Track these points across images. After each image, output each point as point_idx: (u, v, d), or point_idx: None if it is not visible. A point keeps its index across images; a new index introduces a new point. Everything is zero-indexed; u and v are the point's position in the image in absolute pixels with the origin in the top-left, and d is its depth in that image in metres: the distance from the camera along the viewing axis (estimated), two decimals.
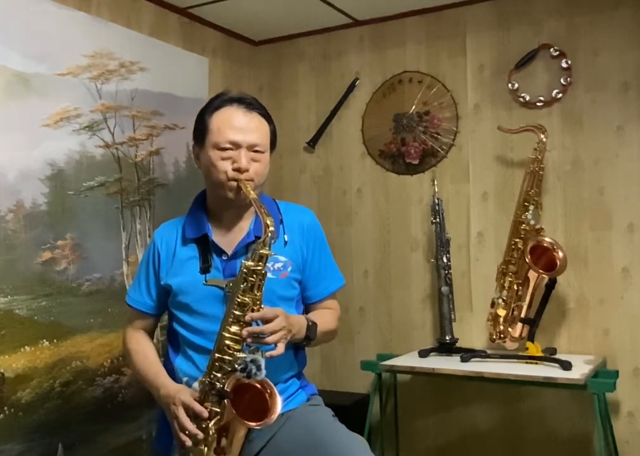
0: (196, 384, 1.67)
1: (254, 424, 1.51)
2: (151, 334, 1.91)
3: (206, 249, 1.76)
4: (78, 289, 2.52)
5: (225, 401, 1.53)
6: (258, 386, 1.55)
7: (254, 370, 1.51)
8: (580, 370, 2.45)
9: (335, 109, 3.38)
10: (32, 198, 2.37)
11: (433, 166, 3.16)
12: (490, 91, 3.03)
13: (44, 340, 2.38)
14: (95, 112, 2.61)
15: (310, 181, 3.47)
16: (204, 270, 1.74)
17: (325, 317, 1.85)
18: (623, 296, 2.76)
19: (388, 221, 3.27)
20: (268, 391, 1.55)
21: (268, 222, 1.58)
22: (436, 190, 2.97)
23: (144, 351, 1.83)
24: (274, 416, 1.52)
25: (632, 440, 2.73)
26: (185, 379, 1.72)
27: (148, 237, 2.82)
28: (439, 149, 3.15)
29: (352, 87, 3.35)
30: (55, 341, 2.42)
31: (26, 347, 2.32)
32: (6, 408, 2.23)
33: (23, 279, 2.33)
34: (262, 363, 1.52)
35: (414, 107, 3.20)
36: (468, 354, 2.68)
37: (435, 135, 3.16)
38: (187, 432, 1.55)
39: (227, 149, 1.70)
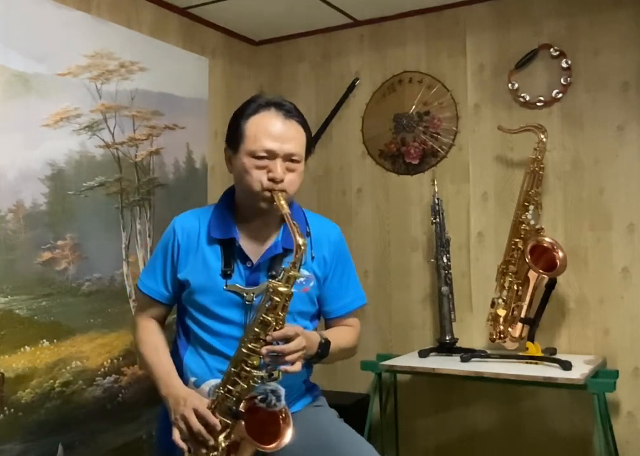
0: (204, 386, 1.66)
1: (269, 446, 1.51)
2: (162, 323, 1.85)
3: (231, 253, 1.71)
4: (78, 289, 2.52)
5: (241, 423, 1.53)
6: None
7: (274, 401, 1.50)
8: (580, 370, 2.45)
9: (335, 109, 3.38)
10: (32, 198, 2.37)
11: (433, 166, 3.16)
12: (490, 91, 3.03)
13: (44, 340, 2.38)
14: (95, 112, 2.61)
15: (310, 181, 3.46)
16: (226, 274, 1.69)
17: (343, 334, 1.82)
18: (623, 296, 2.76)
19: (388, 221, 3.27)
20: (283, 415, 1.54)
21: (300, 242, 1.54)
22: (436, 190, 2.97)
23: (155, 344, 1.77)
24: (285, 440, 1.51)
25: (632, 440, 2.72)
26: (193, 379, 1.70)
27: (148, 237, 2.82)
28: (439, 149, 3.15)
29: (351, 87, 3.35)
30: (55, 341, 2.42)
31: (26, 347, 2.32)
32: (6, 408, 2.23)
33: (23, 279, 2.33)
34: (282, 393, 1.52)
35: (414, 107, 3.20)
36: (468, 354, 2.68)
37: (435, 135, 3.16)
38: (199, 437, 1.54)
39: (262, 157, 1.64)
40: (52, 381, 2.39)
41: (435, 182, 3.00)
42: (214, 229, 1.73)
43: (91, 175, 2.60)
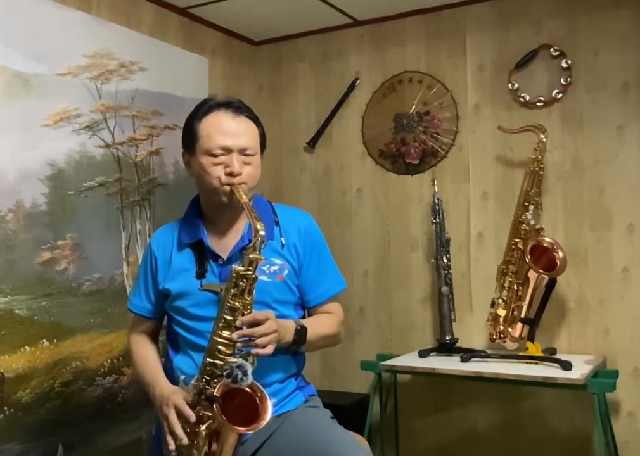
0: (193, 381, 1.68)
1: (243, 429, 1.51)
2: (154, 336, 1.93)
3: (202, 254, 1.77)
4: (78, 289, 2.52)
5: (215, 406, 1.53)
6: (249, 389, 1.55)
7: (240, 376, 1.51)
8: (580, 370, 2.45)
9: (335, 109, 3.38)
10: (32, 198, 2.37)
11: (433, 166, 3.16)
12: (490, 91, 3.03)
13: (44, 340, 2.38)
14: (95, 112, 2.61)
15: (310, 181, 3.47)
16: (200, 275, 1.76)
17: (322, 321, 1.84)
18: (623, 296, 2.76)
19: (388, 221, 3.27)
20: (259, 394, 1.54)
21: (258, 227, 1.58)
22: (436, 190, 2.97)
23: (145, 353, 1.86)
24: (264, 421, 1.51)
25: (632, 440, 2.73)
26: (182, 377, 1.74)
27: (148, 237, 2.82)
28: (439, 149, 3.15)
29: (352, 87, 3.35)
30: (55, 341, 2.42)
31: (26, 347, 2.32)
32: (6, 408, 2.23)
33: (23, 279, 2.33)
34: (249, 368, 1.52)
35: (414, 107, 3.20)
36: (468, 354, 2.68)
37: (435, 135, 3.16)
38: (174, 435, 1.56)
39: (218, 154, 1.71)
40: (52, 381, 2.39)
41: (435, 182, 3.00)
42: (184, 235, 1.81)
43: (91, 175, 2.60)
